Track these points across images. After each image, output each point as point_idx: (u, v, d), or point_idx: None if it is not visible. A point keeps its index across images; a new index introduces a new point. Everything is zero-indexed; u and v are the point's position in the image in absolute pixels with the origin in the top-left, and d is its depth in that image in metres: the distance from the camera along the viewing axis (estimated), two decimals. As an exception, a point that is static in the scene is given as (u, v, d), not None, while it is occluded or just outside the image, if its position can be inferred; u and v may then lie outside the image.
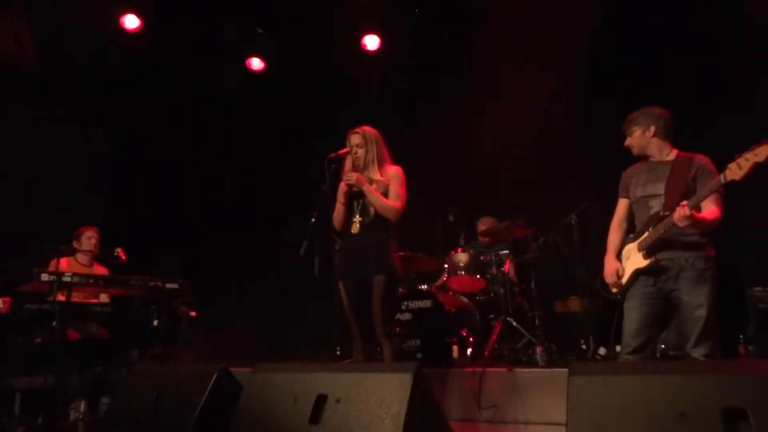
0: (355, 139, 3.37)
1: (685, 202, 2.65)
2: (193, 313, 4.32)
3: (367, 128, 3.39)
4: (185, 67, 6.30)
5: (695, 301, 2.69)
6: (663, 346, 3.96)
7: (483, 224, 5.24)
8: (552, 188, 5.22)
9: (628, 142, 3.00)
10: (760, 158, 2.45)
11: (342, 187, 3.34)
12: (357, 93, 6.29)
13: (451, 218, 4.97)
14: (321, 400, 2.05)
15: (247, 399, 2.26)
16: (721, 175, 2.57)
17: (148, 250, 5.00)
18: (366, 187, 3.27)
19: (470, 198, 5.56)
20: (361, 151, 3.35)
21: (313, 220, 3.25)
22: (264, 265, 6.23)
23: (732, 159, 2.54)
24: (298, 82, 6.54)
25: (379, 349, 3.32)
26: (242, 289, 6.23)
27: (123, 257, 4.05)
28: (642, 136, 2.95)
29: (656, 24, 4.97)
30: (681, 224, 2.65)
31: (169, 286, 3.93)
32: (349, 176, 3.28)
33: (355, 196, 3.35)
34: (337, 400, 2.02)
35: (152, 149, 6.43)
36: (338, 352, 5.06)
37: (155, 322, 3.82)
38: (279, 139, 6.63)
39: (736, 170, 2.51)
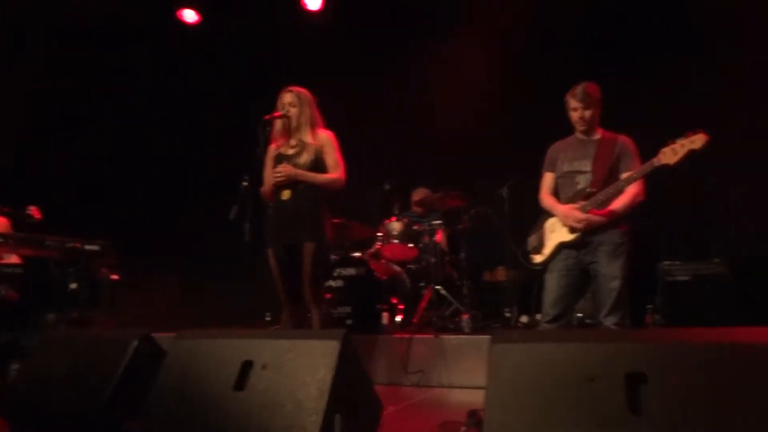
0: (287, 97, 3.29)
1: (581, 215, 2.85)
2: (114, 277, 4.13)
3: (301, 89, 3.32)
4: (112, 11, 5.87)
5: (611, 273, 2.86)
6: (579, 314, 4.21)
7: (417, 194, 5.30)
8: (485, 161, 5.34)
9: (587, 116, 2.98)
10: (696, 146, 2.57)
11: (271, 179, 3.26)
12: (296, 54, 6.11)
13: (386, 187, 4.99)
14: (247, 366, 2.03)
15: (169, 366, 2.19)
16: (655, 159, 2.69)
17: (66, 208, 4.72)
18: (300, 175, 3.20)
19: (406, 168, 5.60)
20: (293, 110, 3.27)
21: (244, 183, 3.16)
22: (192, 227, 6.04)
23: (665, 143, 2.66)
24: (234, 39, 6.26)
25: (309, 315, 3.32)
26: (168, 252, 6.02)
27: (37, 215, 3.79)
28: (597, 115, 3.03)
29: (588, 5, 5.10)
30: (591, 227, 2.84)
31: (88, 247, 3.73)
32: (278, 174, 3.20)
33: (285, 159, 3.28)
34: (263, 367, 2.00)
35: (75, 101, 6.00)
36: (268, 318, 5.04)
37: (73, 286, 3.62)
38: (212, 96, 6.36)
39: (670, 155, 2.63)
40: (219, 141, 6.05)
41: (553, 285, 2.97)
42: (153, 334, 2.41)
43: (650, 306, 4.31)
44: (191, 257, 5.95)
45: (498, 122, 5.34)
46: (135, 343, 2.32)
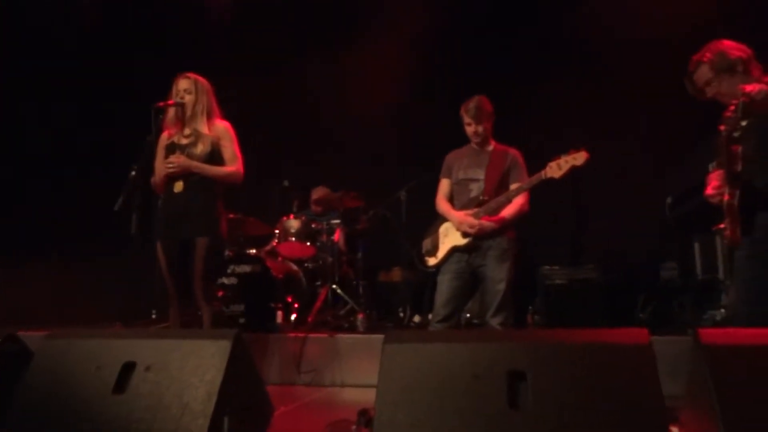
0: (183, 83, 3.13)
1: (474, 221, 2.99)
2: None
3: (198, 76, 3.18)
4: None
5: (497, 276, 3.04)
6: (468, 315, 4.43)
7: (317, 193, 5.27)
8: (386, 164, 5.44)
9: (480, 130, 3.16)
10: (578, 162, 2.82)
11: (162, 169, 3.09)
12: (195, 41, 5.82)
13: (286, 183, 4.92)
14: (128, 368, 1.91)
15: (38, 368, 2.01)
16: (543, 172, 2.91)
17: None
18: (195, 167, 3.06)
19: (307, 165, 5.56)
20: (189, 98, 3.12)
21: (133, 173, 2.97)
22: (72, 217, 5.55)
23: (552, 158, 2.88)
24: (125, 18, 5.84)
25: (199, 313, 3.19)
26: (42, 242, 5.47)
27: None
28: (489, 128, 3.21)
29: (493, 18, 5.38)
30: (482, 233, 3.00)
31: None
32: (171, 165, 3.04)
33: (178, 149, 3.12)
34: (147, 368, 1.90)
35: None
36: (154, 316, 4.77)
37: None
38: (99, 79, 5.87)
39: (556, 169, 2.87)
40: (106, 127, 5.61)
41: (444, 286, 3.10)
42: (20, 333, 2.20)
43: (531, 307, 4.63)
44: (69, 249, 5.46)
45: (400, 127, 5.46)
46: (-3, 343, 2.10)
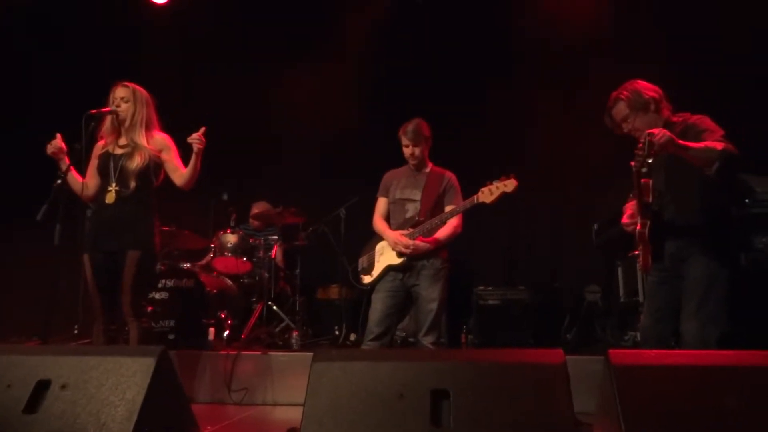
0: (121, 91, 3.05)
1: (409, 242, 3.05)
2: None
3: (137, 86, 3.11)
4: None
5: (430, 296, 3.11)
6: (404, 333, 4.47)
7: (257, 207, 5.22)
8: (327, 181, 5.46)
9: (417, 152, 3.22)
10: (509, 189, 2.93)
11: (92, 178, 3.00)
12: (137, 48, 5.66)
13: (225, 197, 4.83)
14: (42, 386, 1.83)
15: (-60, 386, 1.88)
16: (475, 197, 3.01)
17: None
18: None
19: (247, 179, 5.49)
20: (125, 106, 3.03)
21: (59, 181, 2.86)
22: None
23: (484, 183, 2.98)
24: (65, 22, 5.61)
25: (126, 329, 3.07)
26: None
27: None
28: (426, 151, 3.28)
29: (434, 41, 5.54)
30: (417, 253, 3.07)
31: None
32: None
33: (112, 159, 3.03)
34: (63, 387, 1.83)
35: None
36: (76, 331, 4.54)
37: None
38: (35, 84, 5.60)
39: (487, 195, 2.96)
40: (32, 132, 5.33)
41: (378, 305, 3.14)
42: None
43: (465, 326, 4.74)
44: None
45: (342, 144, 5.50)
46: None
